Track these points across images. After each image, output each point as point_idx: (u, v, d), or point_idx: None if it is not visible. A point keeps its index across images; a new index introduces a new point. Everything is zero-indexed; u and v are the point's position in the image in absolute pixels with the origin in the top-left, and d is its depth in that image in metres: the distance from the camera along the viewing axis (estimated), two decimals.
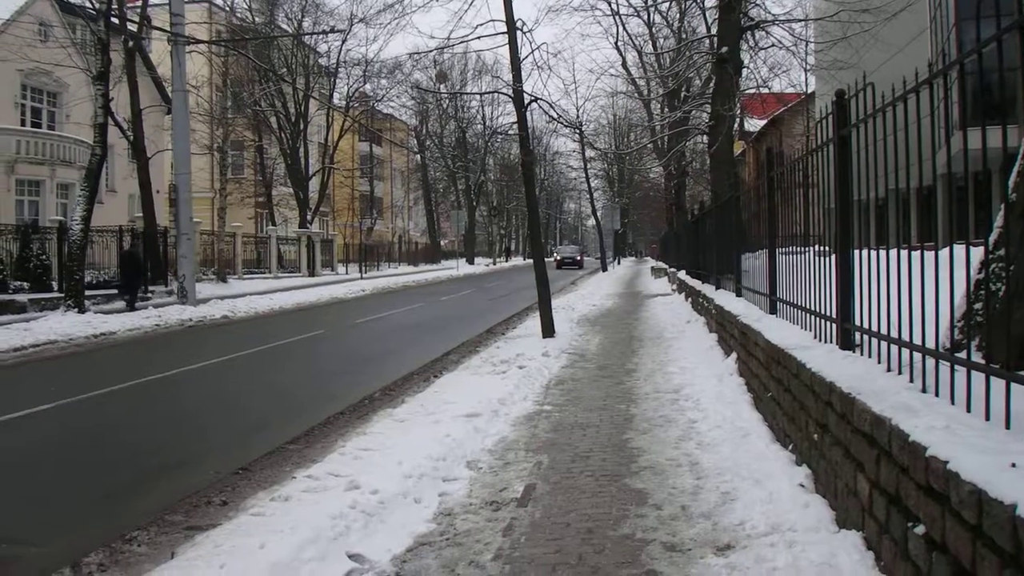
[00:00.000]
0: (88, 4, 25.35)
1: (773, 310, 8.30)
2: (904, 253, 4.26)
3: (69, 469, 7.36)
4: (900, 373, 4.27)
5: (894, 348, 4.40)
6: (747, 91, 25.07)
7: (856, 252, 5.25)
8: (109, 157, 23.86)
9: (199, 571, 4.40)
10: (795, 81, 38.74)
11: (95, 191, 21.95)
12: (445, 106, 66.48)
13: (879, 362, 4.62)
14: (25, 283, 23.06)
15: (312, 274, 43.54)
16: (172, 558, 4.82)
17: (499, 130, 64.52)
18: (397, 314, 22.35)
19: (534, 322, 16.17)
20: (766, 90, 25.85)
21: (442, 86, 59.45)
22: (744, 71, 20.45)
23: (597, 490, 5.77)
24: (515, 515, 5.31)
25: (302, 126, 46.55)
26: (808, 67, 23.10)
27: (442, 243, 79.47)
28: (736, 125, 26.01)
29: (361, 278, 43.50)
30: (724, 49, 18.31)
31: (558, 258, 63.58)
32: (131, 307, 22.24)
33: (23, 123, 32.31)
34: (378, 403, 9.83)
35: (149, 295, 24.67)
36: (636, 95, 35.84)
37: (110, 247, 27.68)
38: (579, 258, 65.85)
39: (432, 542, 4.92)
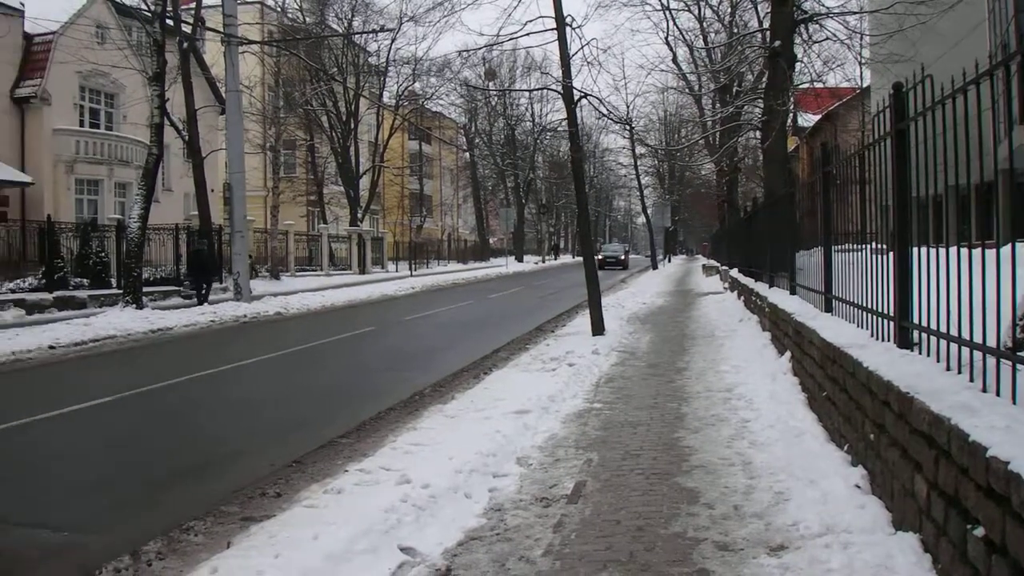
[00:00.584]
0: (143, 6, 25.78)
1: (828, 308, 8.19)
2: (964, 251, 4.18)
3: (127, 460, 7.55)
4: (960, 372, 4.18)
5: (953, 347, 4.31)
6: (800, 86, 24.74)
7: (914, 249, 5.16)
8: (165, 157, 24.27)
9: (254, 561, 4.46)
10: (850, 75, 38.06)
11: (152, 190, 22.34)
12: (494, 103, 66.54)
13: (938, 361, 4.54)
14: (85, 280, 23.69)
15: (363, 272, 43.90)
16: (228, 548, 4.90)
17: (548, 127, 64.36)
18: (446, 311, 22.45)
19: (584, 320, 16.13)
20: (820, 84, 25.45)
21: (491, 83, 59.63)
22: (797, 65, 20.17)
23: (648, 488, 5.74)
24: (565, 512, 5.30)
25: (353, 125, 46.92)
26: (863, 61, 22.63)
27: (491, 241, 79.59)
28: (789, 121, 25.67)
29: (411, 275, 43.77)
30: (777, 43, 18.06)
31: (600, 257, 59.87)
32: (202, 302, 23.11)
33: (82, 124, 32.97)
34: (428, 399, 9.89)
35: (194, 292, 25.10)
36: (687, 91, 35.51)
37: (167, 245, 28.23)
38: (623, 257, 60.26)
39: (482, 537, 4.94)
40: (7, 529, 5.50)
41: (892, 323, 5.47)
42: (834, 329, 6.87)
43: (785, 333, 9.91)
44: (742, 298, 18.75)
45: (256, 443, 8.02)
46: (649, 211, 59.73)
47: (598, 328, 14.59)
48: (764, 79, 21.21)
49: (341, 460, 7.07)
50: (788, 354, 9.41)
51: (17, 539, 5.34)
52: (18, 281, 22.04)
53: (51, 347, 14.60)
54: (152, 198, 22.43)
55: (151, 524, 5.53)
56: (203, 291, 24.24)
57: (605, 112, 17.54)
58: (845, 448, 5.82)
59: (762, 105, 21.24)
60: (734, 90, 27.64)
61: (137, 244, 21.46)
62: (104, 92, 34.17)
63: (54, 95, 30.98)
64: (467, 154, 72.61)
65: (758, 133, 24.52)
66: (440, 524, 5.11)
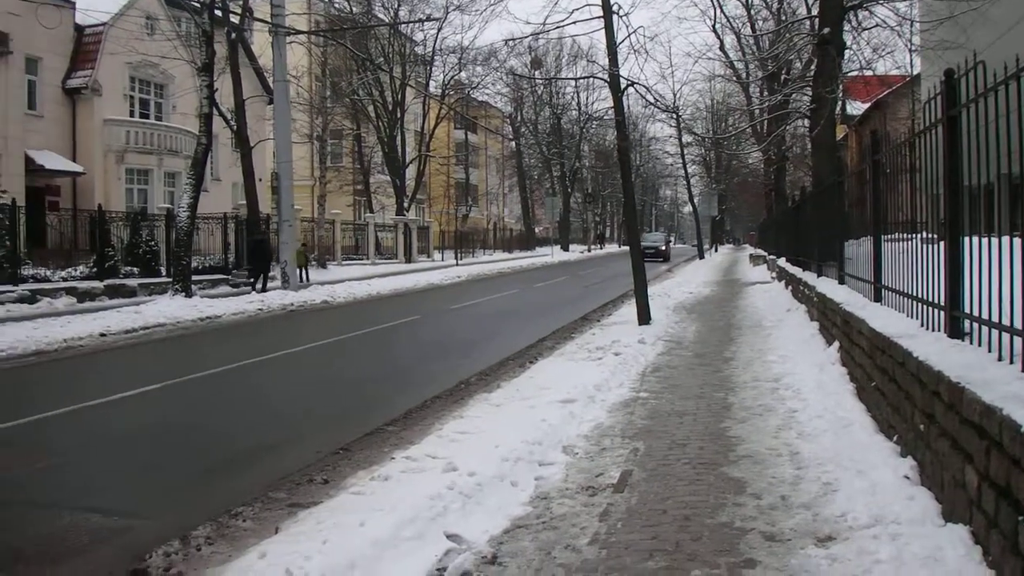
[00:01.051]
0: None
1: (878, 298, 8.08)
2: (1016, 240, 4.11)
3: (176, 446, 7.69)
4: (1011, 362, 4.11)
5: (1005, 336, 4.24)
6: (849, 73, 24.35)
7: (966, 239, 5.07)
8: (213, 146, 24.57)
9: (302, 546, 4.51)
10: (900, 62, 37.26)
11: (201, 179, 22.65)
12: (540, 92, 66.36)
13: (989, 351, 4.46)
14: (135, 268, 24.15)
15: (408, 260, 44.16)
16: (276, 533, 4.97)
17: (594, 116, 64.23)
18: (491, 300, 22.50)
19: (629, 309, 16.07)
20: (869, 72, 25.07)
21: (537, 72, 59.49)
22: (846, 52, 19.85)
23: (694, 478, 5.72)
24: (611, 501, 5.31)
25: (399, 114, 47.13)
26: (913, 48, 22.21)
27: (536, 230, 79.54)
28: (838, 109, 25.29)
29: (456, 264, 43.90)
30: (826, 30, 17.80)
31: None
32: (262, 290, 23.73)
33: (132, 114, 33.44)
34: (473, 388, 9.93)
35: (252, 279, 25.44)
36: (734, 79, 35.17)
37: (215, 234, 28.63)
38: (663, 248, 55.58)
39: (528, 525, 4.96)
40: (59, 514, 5.59)
41: (943, 312, 5.38)
42: (883, 319, 6.78)
43: (833, 323, 9.81)
44: (790, 288, 18.57)
45: (303, 430, 8.12)
46: (696, 200, 59.18)
47: (644, 317, 14.53)
48: (812, 67, 20.92)
49: (387, 448, 7.13)
50: (836, 344, 9.31)
51: (69, 524, 5.43)
52: (70, 270, 22.52)
53: (102, 335, 14.89)
54: (201, 187, 22.74)
55: (199, 509, 5.62)
56: (262, 280, 24.82)
57: (652, 100, 17.47)
58: (894, 439, 5.76)
59: (810, 93, 20.96)
60: (782, 78, 27.32)
61: (186, 233, 21.79)
62: (154, 83, 34.64)
63: (105, 86, 31.48)
64: (513, 143, 72.54)
65: (806, 121, 24.19)
66: (486, 512, 5.13)
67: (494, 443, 6.43)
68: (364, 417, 8.48)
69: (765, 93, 30.08)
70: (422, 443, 6.81)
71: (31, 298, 19.83)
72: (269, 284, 24.34)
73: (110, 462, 7.15)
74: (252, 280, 25.33)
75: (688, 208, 78.18)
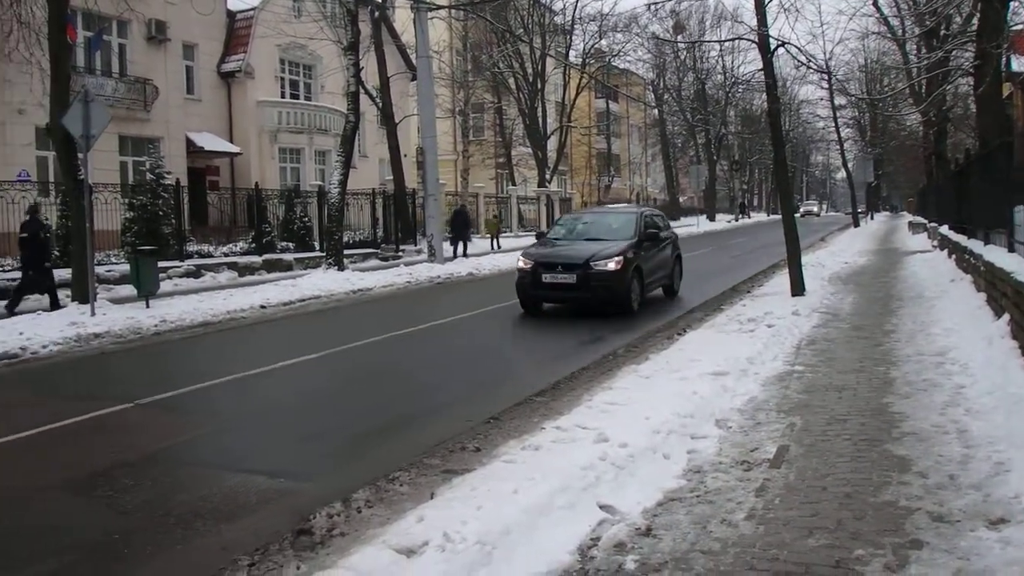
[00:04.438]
0: None
1: None
2: None
3: (331, 413, 8.00)
4: None
5: None
6: (1015, 27, 22.81)
7: None
8: (360, 124, 25.16)
9: (457, 511, 4.60)
10: None
11: (350, 156, 23.26)
12: (683, 57, 65.00)
13: None
14: (290, 243, 25.14)
15: None
16: (432, 498, 5.10)
17: (741, 79, 62.45)
18: None
19: (780, 280, 15.63)
20: None
21: (680, 36, 58.30)
22: (1011, 4, 18.58)
23: (856, 455, 5.54)
24: (768, 476, 5.19)
25: (539, 86, 47.09)
26: None
27: (681, 200, 78.24)
28: (1003, 65, 23.75)
29: None
30: None
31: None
32: (464, 255, 26.51)
33: (283, 95, 34.62)
34: (621, 359, 9.88)
35: (400, 253, 26.03)
36: (889, 36, 33.50)
37: (364, 209, 29.43)
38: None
39: (682, 498, 4.91)
40: (227, 475, 5.94)
41: None
42: None
43: (1003, 294, 9.25)
44: (953, 257, 17.66)
45: (453, 399, 8.27)
46: (849, 165, 56.77)
47: (798, 288, 14.11)
48: (974, 21, 19.69)
49: (536, 418, 7.18)
50: (1007, 316, 8.78)
51: (237, 484, 5.75)
52: (230, 245, 23.67)
53: (262, 307, 15.62)
54: (350, 164, 23.35)
55: (357, 473, 5.83)
56: (462, 246, 28.03)
57: (803, 61, 16.76)
58: None
59: (973, 49, 19.76)
60: (941, 33, 25.83)
61: (338, 209, 22.46)
62: (302, 64, 35.72)
63: (257, 68, 32.69)
64: (655, 111, 71.41)
65: (969, 80, 22.85)
66: (639, 484, 5.11)
67: (644, 415, 6.39)
68: (512, 387, 8.59)
69: (923, 51, 28.59)
70: (571, 414, 6.82)
71: (196, 272, 20.94)
72: (418, 257, 24.85)
73: (271, 427, 7.50)
74: (453, 247, 28.00)
75: (841, 174, 75.20)
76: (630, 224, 14.73)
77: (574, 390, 8.30)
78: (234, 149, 31.47)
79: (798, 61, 16.73)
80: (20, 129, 22.96)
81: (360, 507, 5.18)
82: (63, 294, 15.14)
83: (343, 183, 22.46)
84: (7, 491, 5.78)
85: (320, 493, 5.42)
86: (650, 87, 71.23)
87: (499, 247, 32.80)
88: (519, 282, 13.90)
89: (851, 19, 71.25)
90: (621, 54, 57.80)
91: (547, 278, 13.44)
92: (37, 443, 6.90)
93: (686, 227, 53.10)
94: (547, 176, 48.21)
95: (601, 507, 4.71)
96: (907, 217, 53.15)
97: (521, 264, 13.96)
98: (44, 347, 11.40)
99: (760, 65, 15.03)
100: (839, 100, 43.13)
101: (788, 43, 14.96)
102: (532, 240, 25.04)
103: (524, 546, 4.23)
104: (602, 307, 13.36)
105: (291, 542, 4.68)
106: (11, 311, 14.36)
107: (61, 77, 15.02)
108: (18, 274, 15.90)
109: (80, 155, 14.36)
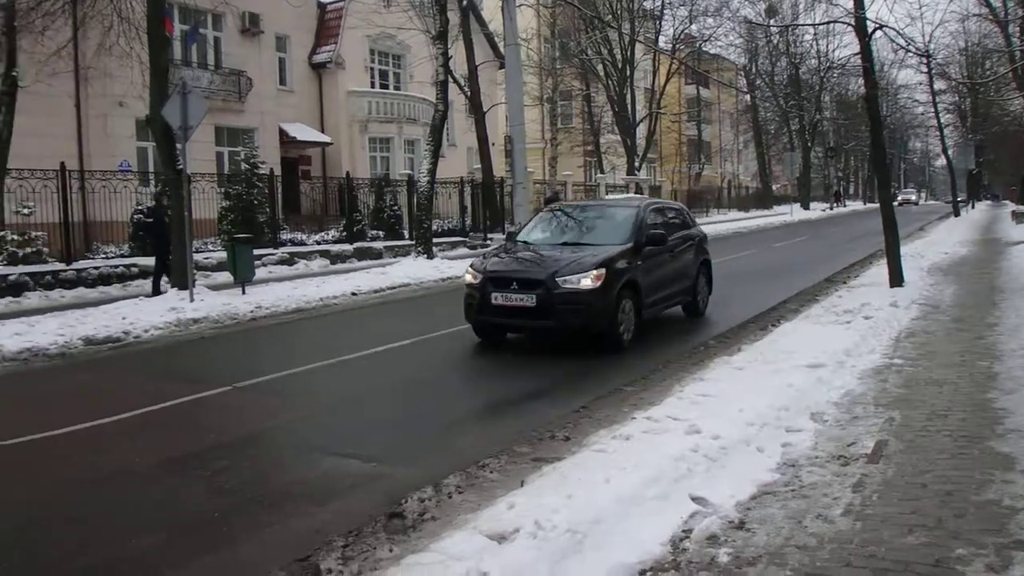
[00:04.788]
0: None
1: None
2: None
3: (421, 399, 8.11)
4: None
5: None
6: None
7: None
8: (449, 113, 25.30)
9: (548, 499, 4.60)
10: None
11: (439, 145, 23.42)
12: (776, 42, 63.58)
13: None
14: (380, 232, 25.52)
15: None
16: (522, 486, 5.11)
17: (836, 64, 60.82)
18: (728, 261, 21.85)
19: (878, 271, 15.20)
20: None
21: (773, 20, 57.05)
22: None
23: (956, 451, 5.35)
24: (865, 471, 5.05)
25: (628, 72, 46.58)
26: None
27: (774, 188, 76.68)
28: None
29: None
30: None
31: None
32: None
33: (372, 85, 35.11)
34: (713, 350, 9.78)
35: (488, 242, 26.11)
36: (991, 18, 32.20)
37: (452, 198, 29.61)
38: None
39: (776, 492, 4.81)
40: (323, 458, 6.12)
41: None
42: None
43: None
44: None
45: (540, 388, 8.26)
46: (950, 152, 54.85)
47: (896, 279, 13.70)
48: None
49: (627, 407, 7.13)
50: None
51: (331, 466, 5.93)
52: (322, 234, 24.13)
53: (353, 294, 15.92)
54: (439, 153, 23.50)
55: (448, 459, 5.89)
56: None
57: (902, 44, 16.24)
58: None
59: None
60: None
61: (427, 197, 22.63)
62: (391, 54, 36.12)
63: (347, 59, 33.19)
64: (747, 97, 70.10)
65: None
66: (731, 476, 5.02)
67: (737, 407, 6.29)
68: (601, 377, 8.58)
69: None
70: (662, 404, 6.76)
71: (289, 260, 21.39)
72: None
73: (363, 412, 7.63)
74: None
75: (941, 161, 72.97)
76: (625, 223, 10.95)
77: (664, 380, 8.24)
78: (325, 139, 32.02)
79: (896, 44, 16.28)
80: (121, 121, 23.70)
81: (451, 492, 5.23)
82: (162, 280, 15.67)
83: (432, 172, 22.61)
84: (113, 468, 6.02)
85: (410, 478, 5.49)
86: (742, 72, 69.85)
87: None
88: (465, 303, 10.43)
89: (951, 1, 68.86)
90: (712, 39, 56.83)
91: (498, 299, 9.80)
92: (140, 423, 7.18)
93: (779, 216, 52.18)
94: (636, 164, 47.72)
95: (693, 499, 4.65)
96: (1010, 206, 51.03)
97: (468, 278, 10.41)
98: (146, 331, 11.84)
99: (856, 49, 14.62)
100: (939, 84, 41.69)
101: (886, 25, 14.53)
102: None
103: (615, 535, 4.20)
104: (572, 339, 10.02)
105: (383, 525, 4.76)
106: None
107: (159, 70, 15.50)
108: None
109: (179, 146, 14.79)
